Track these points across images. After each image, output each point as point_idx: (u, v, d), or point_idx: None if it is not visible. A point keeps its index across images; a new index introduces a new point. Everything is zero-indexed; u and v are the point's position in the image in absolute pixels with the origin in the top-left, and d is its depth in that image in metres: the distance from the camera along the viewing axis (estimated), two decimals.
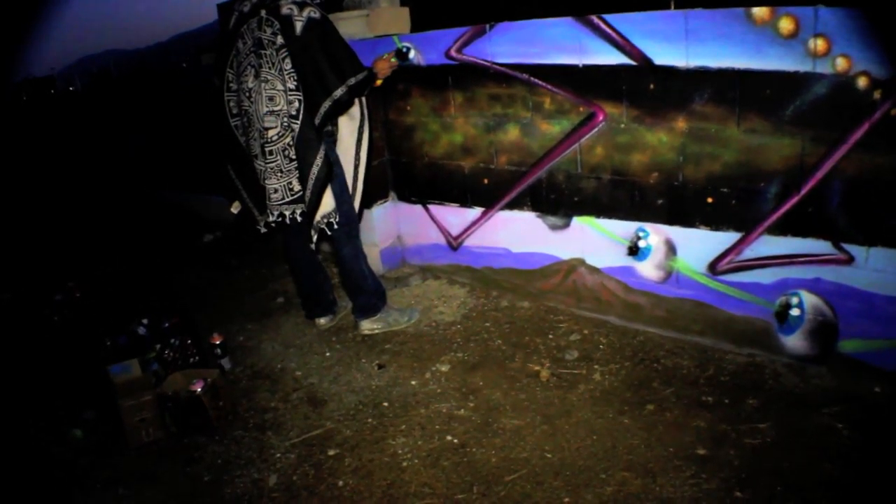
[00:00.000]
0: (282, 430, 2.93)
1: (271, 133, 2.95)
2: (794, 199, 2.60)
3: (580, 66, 2.93)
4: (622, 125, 2.91)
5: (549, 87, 3.08)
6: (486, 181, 3.52)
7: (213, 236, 5.39)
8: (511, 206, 3.47)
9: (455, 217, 3.75)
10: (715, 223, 2.84)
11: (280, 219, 3.13)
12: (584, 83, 2.96)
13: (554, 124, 3.12)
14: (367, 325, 3.49)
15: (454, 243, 3.84)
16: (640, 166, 2.94)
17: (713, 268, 2.91)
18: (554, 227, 3.35)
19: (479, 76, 3.30)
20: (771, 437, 2.45)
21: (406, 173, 3.93)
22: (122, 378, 2.93)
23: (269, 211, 3.11)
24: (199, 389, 2.86)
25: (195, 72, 5.92)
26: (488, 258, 3.70)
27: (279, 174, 3.03)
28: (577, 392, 2.89)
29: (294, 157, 3.00)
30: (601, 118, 2.96)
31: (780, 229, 2.67)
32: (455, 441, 2.68)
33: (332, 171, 3.07)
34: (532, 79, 3.10)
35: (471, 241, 3.74)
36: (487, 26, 3.17)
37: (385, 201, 4.00)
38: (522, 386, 2.97)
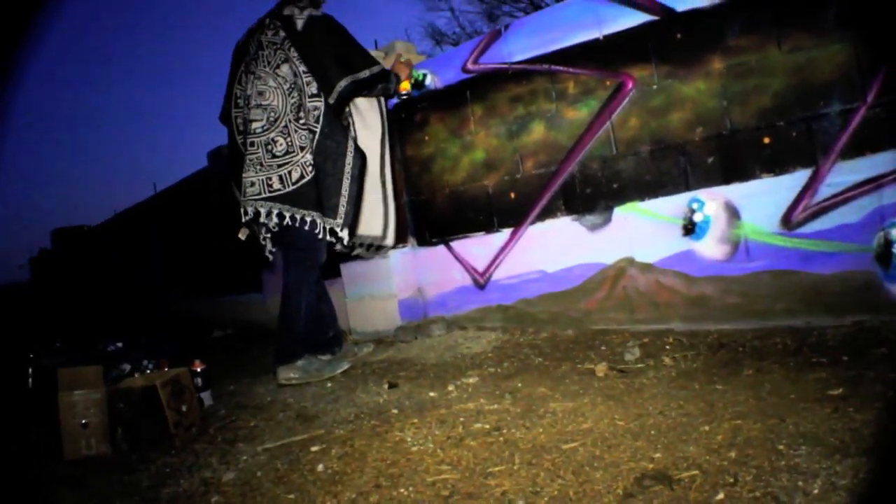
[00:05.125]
0: (256, 441, 2.25)
1: (255, 125, 2.85)
2: (863, 110, 2.23)
3: (601, 37, 2.80)
4: (654, 86, 2.68)
5: (571, 69, 2.92)
6: (512, 195, 3.18)
7: (224, 333, 5.05)
8: (543, 216, 3.07)
9: (481, 248, 3.33)
10: (779, 166, 2.41)
11: (254, 217, 2.87)
12: (607, 54, 2.80)
13: (581, 107, 2.89)
14: (283, 374, 2.91)
15: (481, 280, 3.34)
16: (682, 125, 2.62)
17: (787, 221, 2.41)
18: (593, 227, 2.90)
19: (498, 81, 3.19)
20: None
21: (426, 212, 3.63)
22: (67, 371, 2.35)
23: (242, 208, 2.85)
24: (158, 383, 2.27)
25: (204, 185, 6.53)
26: (521, 288, 3.17)
27: (258, 167, 2.84)
28: (647, 377, 2.20)
29: (278, 153, 2.85)
30: (631, 86, 2.74)
31: (856, 149, 2.25)
32: (486, 427, 1.97)
33: (365, 173, 2.90)
34: (552, 67, 2.96)
35: (500, 273, 3.25)
36: (503, 28, 3.15)
37: (404, 246, 3.61)
38: (573, 381, 2.29)
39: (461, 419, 2.06)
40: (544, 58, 3.01)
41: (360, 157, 2.93)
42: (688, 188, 2.64)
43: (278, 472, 1.93)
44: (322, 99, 2.86)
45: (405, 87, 3.20)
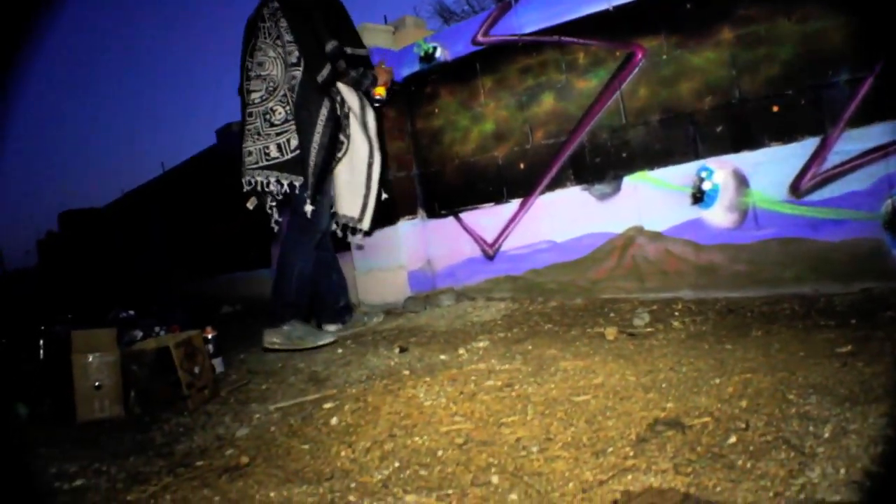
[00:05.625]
0: (268, 401, 2.29)
1: (254, 96, 2.87)
2: (871, 79, 2.22)
3: (610, 8, 2.80)
4: (664, 56, 2.68)
5: (581, 41, 2.92)
6: (522, 166, 3.19)
7: (233, 308, 5.07)
8: (552, 185, 3.09)
9: (490, 219, 3.35)
10: (787, 134, 2.42)
11: (252, 187, 2.90)
12: (617, 25, 2.80)
13: (591, 78, 2.90)
14: (267, 338, 2.96)
15: (490, 251, 3.36)
16: (691, 94, 2.63)
17: (796, 189, 2.42)
18: (602, 196, 2.92)
19: (508, 53, 3.19)
20: None
21: (435, 184, 3.64)
22: (81, 333, 2.38)
23: (242, 179, 2.89)
24: (171, 344, 2.29)
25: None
26: (530, 259, 3.19)
27: (256, 137, 2.86)
28: (657, 339, 2.23)
29: (276, 122, 2.86)
30: (640, 56, 2.74)
31: (864, 118, 2.25)
32: (498, 384, 2.00)
33: (336, 143, 2.89)
34: (563, 38, 2.97)
35: (509, 244, 3.28)
36: (513, 0, 3.15)
37: (413, 217, 3.63)
38: (584, 343, 2.31)
39: (473, 377, 2.08)
40: (554, 29, 3.01)
41: (332, 126, 2.89)
42: (697, 157, 2.65)
43: (292, 426, 1.96)
44: (300, 68, 2.86)
45: (380, 91, 3.15)
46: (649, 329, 2.35)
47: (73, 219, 10.24)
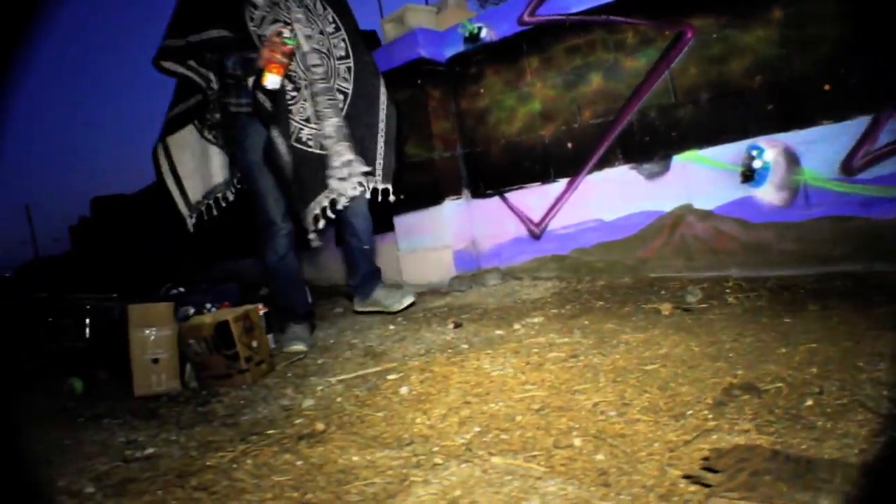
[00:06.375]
0: (328, 374, 2.35)
1: None
2: None
3: None
4: (714, 35, 2.69)
5: (629, 20, 2.94)
6: (569, 145, 3.22)
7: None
8: (600, 165, 3.12)
9: (536, 198, 3.38)
10: (839, 112, 2.43)
11: None
12: (666, 4, 2.81)
13: (639, 57, 2.92)
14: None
15: (536, 230, 3.41)
16: (741, 73, 2.64)
17: (847, 167, 2.43)
18: (651, 175, 2.95)
19: (555, 33, 3.21)
20: None
21: (480, 164, 3.67)
22: (138, 307, 2.43)
23: None
24: (231, 318, 2.34)
25: None
26: (577, 238, 3.23)
27: None
28: (714, 313, 2.26)
29: None
30: (690, 35, 2.75)
31: None
32: (562, 355, 2.04)
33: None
34: (611, 17, 2.99)
35: (556, 223, 3.31)
36: None
37: (458, 197, 3.67)
38: (640, 318, 2.35)
39: (535, 350, 2.13)
40: (602, 9, 3.03)
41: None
42: (747, 135, 2.66)
43: (359, 397, 2.02)
44: None
45: (265, 79, 2.46)
46: (704, 305, 2.38)
47: (105, 204, 10.37)
